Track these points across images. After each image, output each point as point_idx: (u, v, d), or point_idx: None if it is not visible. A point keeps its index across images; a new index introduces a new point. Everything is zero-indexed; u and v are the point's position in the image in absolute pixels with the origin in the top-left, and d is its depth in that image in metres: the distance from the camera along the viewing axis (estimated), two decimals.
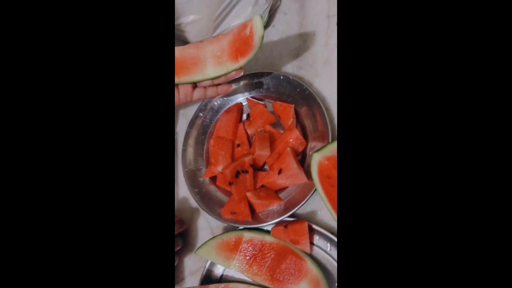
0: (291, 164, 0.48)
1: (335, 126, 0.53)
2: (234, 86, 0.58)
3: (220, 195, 0.55)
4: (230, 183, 0.50)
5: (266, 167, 0.54)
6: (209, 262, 0.50)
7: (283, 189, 0.51)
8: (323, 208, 0.50)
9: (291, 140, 0.51)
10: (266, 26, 0.63)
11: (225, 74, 0.48)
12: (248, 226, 0.50)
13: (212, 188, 0.56)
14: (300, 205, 0.47)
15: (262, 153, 0.51)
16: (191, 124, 0.60)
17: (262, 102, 0.57)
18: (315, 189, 0.46)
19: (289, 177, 0.49)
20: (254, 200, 0.49)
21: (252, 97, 0.59)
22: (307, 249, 0.46)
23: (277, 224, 0.48)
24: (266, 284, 0.47)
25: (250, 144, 0.56)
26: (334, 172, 0.45)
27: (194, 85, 0.50)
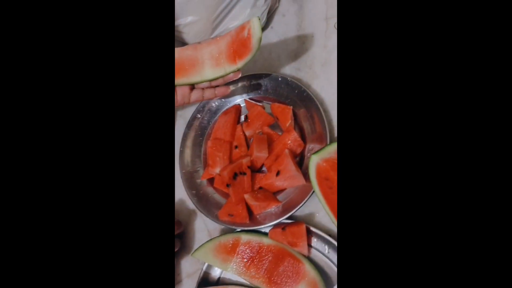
0: (289, 166, 0.48)
1: (333, 128, 0.53)
2: (232, 87, 0.58)
3: (217, 197, 0.54)
4: (227, 185, 0.50)
5: (264, 168, 0.54)
6: (206, 264, 0.50)
7: (281, 191, 0.51)
8: (321, 210, 0.50)
9: (289, 141, 0.51)
10: (264, 27, 0.63)
11: (223, 76, 0.48)
12: (246, 228, 0.49)
13: (209, 190, 0.55)
14: (298, 207, 0.47)
15: (260, 154, 0.51)
16: (189, 126, 0.60)
17: (260, 104, 0.57)
18: (313, 191, 0.46)
19: (287, 179, 0.49)
20: (252, 202, 0.49)
21: (250, 98, 0.59)
22: (305, 252, 0.46)
23: (275, 226, 0.48)
24: (263, 286, 0.46)
25: (248, 146, 0.55)
26: (332, 174, 0.45)
27: (192, 86, 0.50)
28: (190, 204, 0.56)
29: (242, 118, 0.59)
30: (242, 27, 0.46)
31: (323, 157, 0.45)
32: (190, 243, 0.56)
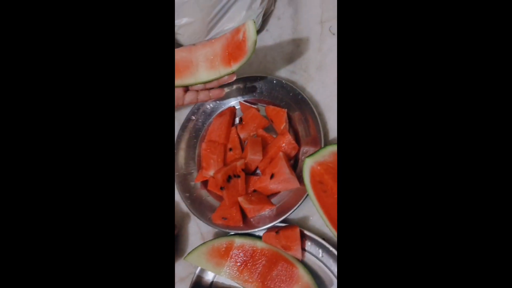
0: (283, 169, 0.48)
1: (327, 131, 0.53)
2: (227, 89, 0.58)
3: (211, 199, 0.54)
4: (221, 188, 0.50)
5: (258, 171, 0.53)
6: (199, 268, 0.49)
7: (275, 194, 0.51)
8: (315, 214, 0.49)
9: (284, 144, 0.50)
10: (259, 30, 0.63)
11: (217, 79, 0.47)
12: (239, 232, 0.49)
13: (203, 192, 0.55)
14: (292, 210, 0.47)
15: (254, 157, 0.51)
16: (183, 127, 0.59)
17: (255, 106, 0.57)
18: (307, 195, 0.46)
19: (281, 182, 0.49)
20: (246, 205, 0.49)
21: (245, 101, 0.59)
22: (299, 255, 0.46)
23: (269, 229, 0.48)
24: None
25: (242, 148, 0.55)
26: (326, 178, 0.44)
27: (186, 88, 0.50)
28: (184, 207, 0.55)
29: (237, 120, 0.58)
30: (237, 30, 0.46)
31: (317, 160, 0.45)
32: (183, 247, 0.55)
